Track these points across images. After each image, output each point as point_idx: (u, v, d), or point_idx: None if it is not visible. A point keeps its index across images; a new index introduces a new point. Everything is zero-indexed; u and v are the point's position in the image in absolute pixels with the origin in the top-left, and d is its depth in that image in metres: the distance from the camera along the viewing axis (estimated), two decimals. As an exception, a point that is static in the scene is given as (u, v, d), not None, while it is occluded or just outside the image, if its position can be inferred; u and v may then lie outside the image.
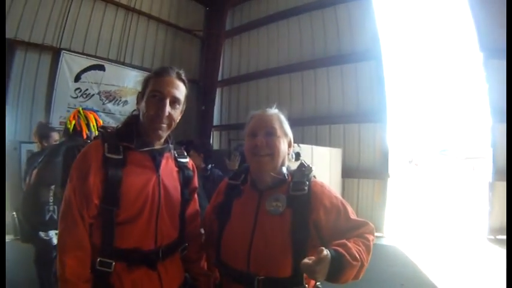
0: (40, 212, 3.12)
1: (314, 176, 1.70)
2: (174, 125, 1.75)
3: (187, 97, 1.80)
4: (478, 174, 24.44)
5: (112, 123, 8.94)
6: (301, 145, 6.51)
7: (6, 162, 7.06)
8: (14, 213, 6.77)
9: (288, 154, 1.74)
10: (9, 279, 4.95)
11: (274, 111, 1.75)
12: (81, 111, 3.44)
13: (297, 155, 1.87)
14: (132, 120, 1.76)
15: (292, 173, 1.71)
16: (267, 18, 10.80)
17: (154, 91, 1.66)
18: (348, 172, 8.87)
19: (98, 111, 3.55)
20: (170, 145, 1.83)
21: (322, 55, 9.69)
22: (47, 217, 3.05)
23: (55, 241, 2.99)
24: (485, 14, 7.65)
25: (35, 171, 3.46)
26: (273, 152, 1.62)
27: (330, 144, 8.98)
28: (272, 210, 1.59)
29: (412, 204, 14.45)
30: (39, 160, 3.42)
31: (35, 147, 7.34)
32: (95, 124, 3.42)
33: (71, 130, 3.35)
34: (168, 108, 1.66)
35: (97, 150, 1.61)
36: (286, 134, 1.71)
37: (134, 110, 1.81)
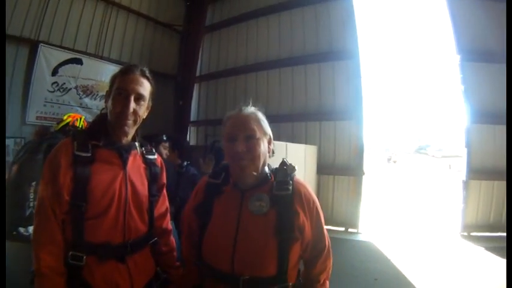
0: (20, 208, 3.14)
1: (294, 175, 1.72)
2: (139, 121, 1.82)
3: (152, 94, 1.88)
4: (454, 172, 24.82)
5: (89, 118, 8.95)
6: (275, 142, 6.56)
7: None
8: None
9: (269, 152, 1.74)
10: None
11: (250, 110, 1.73)
12: (82, 121, 3.57)
13: (271, 152, 1.81)
14: (100, 119, 1.84)
15: (274, 172, 1.74)
16: (247, 14, 10.82)
17: (119, 89, 1.74)
18: (324, 169, 9.05)
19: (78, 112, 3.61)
20: (136, 142, 1.90)
21: (300, 53, 9.80)
22: (27, 213, 3.07)
23: None
24: (462, 17, 7.86)
25: (15, 167, 3.45)
26: (253, 156, 1.62)
27: (306, 141, 9.10)
28: (256, 210, 1.61)
29: (388, 200, 14.67)
30: (20, 156, 3.43)
31: (11, 143, 7.36)
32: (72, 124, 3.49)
33: (59, 127, 3.48)
34: (132, 105, 1.73)
35: (67, 148, 1.69)
36: (265, 133, 1.70)
37: (103, 109, 1.88)
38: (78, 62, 8.93)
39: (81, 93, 9.07)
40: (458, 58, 8.01)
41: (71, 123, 3.48)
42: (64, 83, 8.66)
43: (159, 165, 2.01)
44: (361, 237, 8.14)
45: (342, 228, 8.59)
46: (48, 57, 8.29)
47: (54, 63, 8.43)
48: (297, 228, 1.58)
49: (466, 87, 7.98)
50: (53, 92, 8.45)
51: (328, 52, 9.32)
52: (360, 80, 8.87)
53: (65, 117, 3.58)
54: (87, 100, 9.20)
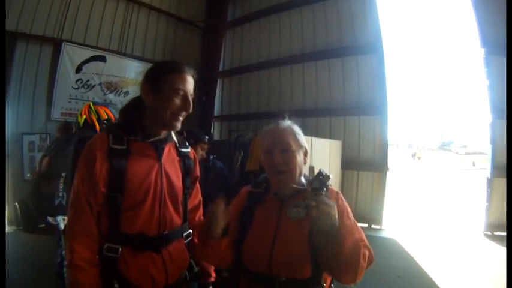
0: (50, 198, 3.25)
1: (330, 185, 1.72)
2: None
3: None
4: (478, 169, 24.46)
5: (114, 114, 9.02)
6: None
7: (9, 154, 7.18)
8: (16, 203, 6.89)
9: (304, 163, 1.78)
10: (12, 269, 5.07)
11: (286, 123, 1.79)
12: (92, 107, 3.69)
13: None
14: (135, 112, 1.83)
15: (310, 181, 1.71)
16: (268, 9, 10.70)
17: (177, 89, 1.73)
18: (348, 164, 8.87)
19: (98, 103, 3.74)
20: (173, 134, 1.91)
21: (323, 47, 9.61)
22: (56, 203, 3.17)
23: (62, 226, 3.10)
24: (486, 10, 7.56)
25: (45, 159, 3.65)
26: (290, 168, 1.68)
27: (331, 136, 8.97)
28: (293, 216, 1.64)
29: (412, 197, 14.47)
30: (50, 149, 3.62)
31: (37, 139, 7.44)
32: (106, 118, 3.65)
33: (81, 123, 3.62)
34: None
35: (102, 141, 1.69)
36: (301, 146, 1.75)
37: (134, 100, 1.90)
38: (102, 59, 9.01)
39: (105, 89, 9.16)
40: (482, 52, 7.74)
41: (88, 119, 3.60)
42: (88, 80, 8.75)
43: (193, 158, 2.03)
44: (384, 234, 8.01)
45: (365, 225, 8.43)
46: (72, 55, 8.38)
47: (78, 61, 8.52)
48: None
49: (491, 81, 7.69)
50: (77, 88, 8.54)
51: (351, 46, 9.11)
52: (384, 75, 8.64)
53: (79, 113, 3.70)
54: (111, 96, 9.29)
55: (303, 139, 1.78)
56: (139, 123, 1.79)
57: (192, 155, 2.02)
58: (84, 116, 3.58)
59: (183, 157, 1.94)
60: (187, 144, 2.02)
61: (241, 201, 1.87)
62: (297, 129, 1.78)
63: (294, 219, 1.63)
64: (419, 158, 44.26)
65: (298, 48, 10.12)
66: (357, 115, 9.00)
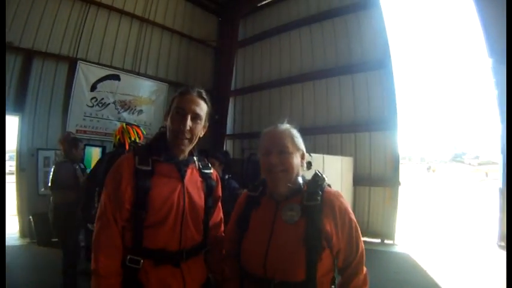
0: (88, 208, 3.67)
1: (329, 185, 1.80)
2: (195, 139, 1.91)
3: (208, 114, 1.96)
4: (490, 180, 24.08)
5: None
6: (312, 154, 6.56)
7: (24, 168, 7.31)
8: (31, 217, 7.05)
9: (302, 166, 1.82)
10: (26, 279, 5.15)
11: (285, 127, 1.83)
12: (125, 127, 3.91)
13: (309, 164, 1.95)
14: (160, 136, 1.93)
15: (307, 183, 1.79)
16: (278, 28, 10.89)
17: (177, 108, 1.83)
18: (360, 180, 8.84)
19: (131, 124, 3.96)
20: (194, 157, 1.99)
21: (333, 65, 9.70)
22: (93, 212, 3.36)
23: None
24: (494, 20, 7.52)
25: (86, 175, 4.63)
26: (286, 168, 1.72)
27: (342, 152, 8.98)
28: (287, 219, 1.69)
29: (425, 211, 14.30)
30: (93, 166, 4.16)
31: (52, 155, 7.57)
32: (135, 138, 3.87)
33: (115, 142, 3.89)
34: (189, 123, 1.82)
35: (129, 162, 1.80)
36: (298, 149, 1.79)
37: (162, 127, 1.97)
38: (116, 78, 9.17)
39: (120, 107, 9.29)
40: (490, 62, 7.76)
41: (121, 138, 3.83)
42: (103, 98, 8.90)
43: (215, 178, 2.09)
44: (397, 249, 7.89)
45: (378, 240, 8.34)
46: (87, 73, 8.56)
47: (93, 79, 8.69)
48: (324, 237, 1.63)
49: (499, 91, 7.59)
50: (92, 106, 8.68)
51: (360, 63, 9.18)
52: (394, 89, 8.65)
53: (114, 134, 3.98)
54: (125, 114, 9.41)
55: (301, 142, 1.82)
56: (163, 145, 1.89)
57: (214, 176, 2.09)
58: (118, 136, 3.83)
59: (205, 178, 2.01)
60: (209, 165, 2.10)
61: (240, 205, 1.94)
62: (295, 133, 1.82)
63: (288, 222, 1.68)
64: (433, 171, 43.73)
65: (309, 66, 10.23)
66: (368, 131, 8.98)
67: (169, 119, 1.86)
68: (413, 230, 9.93)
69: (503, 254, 6.96)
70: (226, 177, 4.71)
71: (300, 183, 1.78)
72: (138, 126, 4.04)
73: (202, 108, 1.90)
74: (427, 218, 12.42)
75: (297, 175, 1.78)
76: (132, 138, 3.84)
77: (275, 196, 1.78)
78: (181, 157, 1.91)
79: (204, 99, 1.92)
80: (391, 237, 8.34)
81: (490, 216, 10.10)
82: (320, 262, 1.62)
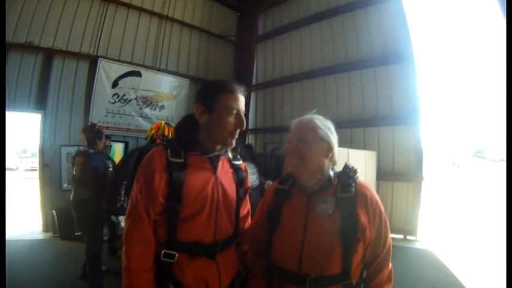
0: (114, 201, 3.61)
1: (357, 177, 1.78)
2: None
3: None
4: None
5: (148, 127, 9.26)
6: (337, 148, 6.46)
7: (47, 164, 7.38)
8: (54, 211, 7.12)
9: (328, 157, 1.77)
10: (48, 273, 5.18)
11: (309, 117, 1.82)
12: (162, 125, 4.02)
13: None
14: (190, 129, 1.92)
15: (337, 176, 1.78)
16: (298, 21, 10.73)
17: (231, 108, 1.81)
18: (383, 175, 8.65)
19: (169, 123, 4.05)
20: (228, 149, 1.99)
21: (354, 58, 9.51)
22: (118, 205, 3.52)
23: (122, 224, 3.33)
24: (506, 6, 7.36)
25: (114, 170, 4.67)
26: (304, 157, 1.70)
27: (365, 147, 8.84)
28: (321, 212, 1.67)
29: (448, 207, 14.05)
30: (120, 161, 4.10)
31: (73, 150, 7.64)
32: (164, 134, 3.97)
33: (148, 137, 4.00)
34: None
35: (161, 155, 1.78)
36: (321, 140, 1.74)
37: (187, 118, 2.00)
38: (137, 74, 9.19)
39: (141, 103, 9.32)
40: None
41: (155, 134, 3.94)
42: (124, 95, 8.92)
43: (244, 170, 2.11)
44: (419, 245, 7.72)
45: (401, 236, 8.16)
46: (108, 70, 8.58)
47: (114, 76, 8.72)
48: (359, 229, 1.63)
49: None
50: (114, 103, 8.72)
51: (382, 56, 8.96)
52: (416, 83, 8.42)
53: (150, 129, 4.08)
54: (147, 110, 9.45)
55: (327, 133, 1.76)
56: (195, 139, 1.88)
57: (243, 167, 2.10)
58: (153, 132, 3.94)
59: (236, 169, 2.02)
60: (238, 157, 2.09)
61: (268, 199, 1.91)
62: (319, 124, 1.77)
63: (322, 215, 1.67)
64: (458, 166, 42.99)
65: (330, 60, 10.03)
66: (391, 125, 8.78)
67: (216, 116, 1.81)
68: (437, 226, 9.72)
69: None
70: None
71: (330, 176, 1.77)
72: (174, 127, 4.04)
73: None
74: (452, 214, 12.16)
75: (321, 167, 1.75)
76: (164, 135, 3.87)
77: (306, 189, 1.77)
78: (217, 150, 1.90)
79: (245, 96, 1.92)
80: (414, 234, 8.15)
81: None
82: (354, 254, 1.63)
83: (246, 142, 10.74)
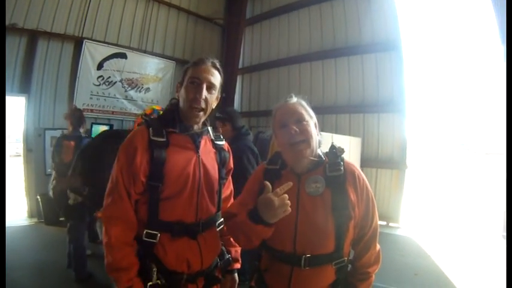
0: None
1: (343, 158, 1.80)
2: (209, 109, 1.89)
3: (222, 85, 1.95)
4: (497, 169, 23.90)
5: (134, 110, 9.23)
6: (322, 133, 6.49)
7: (31, 149, 7.29)
8: (38, 197, 7.06)
9: (318, 135, 1.79)
10: (34, 259, 5.17)
11: (295, 99, 1.83)
12: (154, 107, 3.85)
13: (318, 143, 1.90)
14: (172, 108, 1.92)
15: (327, 155, 1.80)
16: (287, 6, 10.60)
17: (192, 78, 1.82)
18: (367, 161, 8.76)
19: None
20: (208, 128, 1.99)
21: (343, 44, 9.50)
22: None
23: None
24: (506, 6, 7.37)
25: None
26: (307, 137, 1.69)
27: (350, 133, 8.89)
28: (313, 191, 1.68)
29: (430, 196, 14.27)
30: None
31: (58, 134, 7.54)
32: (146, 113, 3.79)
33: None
34: (204, 92, 1.80)
35: (143, 134, 1.78)
36: (311, 117, 1.78)
37: (173, 98, 1.97)
38: (123, 56, 9.07)
39: (126, 86, 9.23)
40: (502, 49, 7.53)
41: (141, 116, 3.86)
42: (109, 77, 8.84)
43: (227, 150, 2.11)
44: (402, 232, 7.90)
45: (384, 222, 8.29)
46: (93, 52, 8.46)
47: (99, 58, 8.61)
48: (350, 206, 1.66)
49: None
50: (99, 85, 8.64)
51: (370, 43, 8.98)
52: (403, 72, 8.50)
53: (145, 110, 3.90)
54: (132, 93, 9.37)
55: (312, 112, 1.81)
56: (177, 116, 1.86)
57: (226, 148, 2.10)
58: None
59: (218, 149, 2.02)
60: (221, 137, 2.10)
61: (257, 180, 1.87)
62: (305, 103, 1.81)
63: (314, 194, 1.67)
64: (442, 157, 43.52)
65: (318, 45, 9.99)
66: (376, 112, 8.86)
67: (183, 90, 1.84)
68: (419, 214, 9.96)
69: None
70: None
71: (321, 155, 1.79)
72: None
73: (217, 78, 1.89)
74: (434, 203, 12.41)
75: (317, 146, 1.77)
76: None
77: (296, 170, 1.77)
78: (196, 128, 1.90)
79: (218, 70, 1.92)
80: (397, 220, 8.32)
81: (494, 206, 10.09)
82: (347, 232, 1.67)
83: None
